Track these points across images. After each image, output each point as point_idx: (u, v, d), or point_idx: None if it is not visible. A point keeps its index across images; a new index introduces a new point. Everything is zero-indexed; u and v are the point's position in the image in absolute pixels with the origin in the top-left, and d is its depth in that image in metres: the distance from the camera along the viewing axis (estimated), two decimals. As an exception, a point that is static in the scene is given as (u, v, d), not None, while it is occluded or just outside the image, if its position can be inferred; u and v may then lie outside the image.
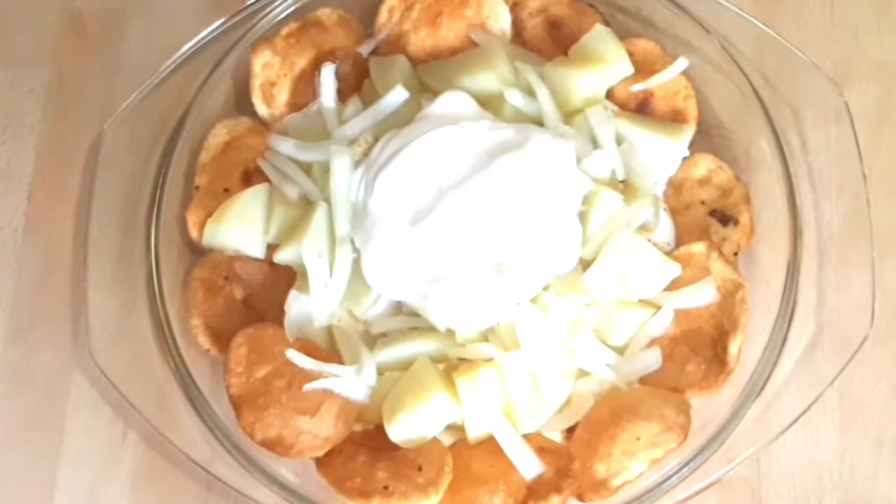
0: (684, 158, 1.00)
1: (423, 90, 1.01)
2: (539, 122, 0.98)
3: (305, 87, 1.03)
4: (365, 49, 1.05)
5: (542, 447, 0.92)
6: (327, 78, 1.01)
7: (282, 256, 0.97)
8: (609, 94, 1.02)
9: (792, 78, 1.01)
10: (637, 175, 0.99)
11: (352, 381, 0.92)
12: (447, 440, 0.93)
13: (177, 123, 1.01)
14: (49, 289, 1.03)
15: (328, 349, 0.95)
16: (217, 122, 1.03)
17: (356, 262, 0.95)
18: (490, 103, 0.99)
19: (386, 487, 0.89)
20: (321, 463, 0.92)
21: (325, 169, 0.97)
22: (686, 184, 1.01)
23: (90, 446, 0.98)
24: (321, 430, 0.91)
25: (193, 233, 0.99)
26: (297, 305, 0.95)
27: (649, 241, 0.96)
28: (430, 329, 0.94)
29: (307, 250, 0.94)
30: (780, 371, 0.93)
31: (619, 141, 0.99)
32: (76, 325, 1.00)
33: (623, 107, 1.02)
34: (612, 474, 0.90)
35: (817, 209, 0.98)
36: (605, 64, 1.00)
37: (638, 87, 1.02)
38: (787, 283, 0.95)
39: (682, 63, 1.01)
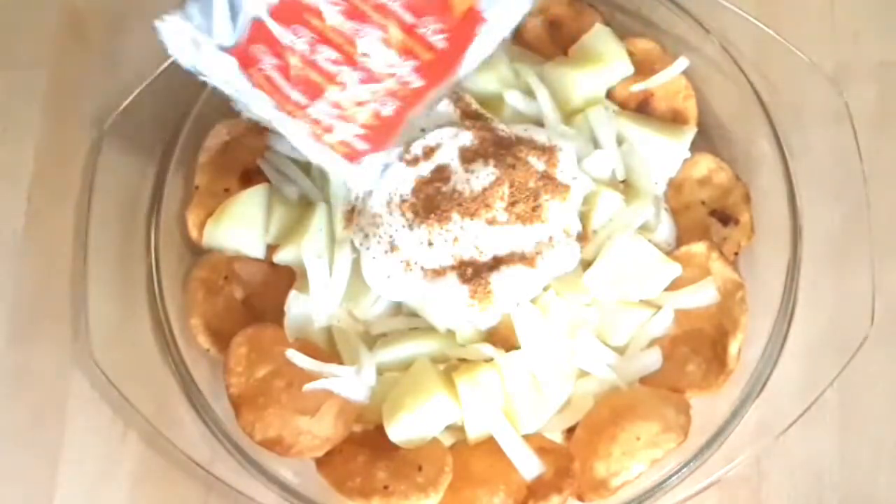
0: (685, 159, 1.00)
1: (423, 90, 1.01)
2: (539, 123, 0.98)
3: (305, 87, 1.03)
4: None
5: (542, 447, 0.91)
6: (327, 78, 1.01)
7: (281, 257, 0.97)
8: (609, 94, 1.02)
9: (792, 78, 1.01)
10: (638, 175, 0.99)
11: (351, 382, 0.92)
12: (447, 440, 0.92)
13: (177, 123, 1.01)
14: (49, 289, 1.03)
15: (328, 349, 0.95)
16: (217, 122, 1.03)
17: (356, 262, 0.95)
18: (490, 104, 0.99)
19: (386, 487, 0.89)
20: (321, 463, 0.92)
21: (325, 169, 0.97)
22: (686, 184, 1.01)
23: (90, 446, 0.98)
24: (321, 430, 0.91)
25: (193, 233, 0.99)
26: (296, 305, 0.95)
27: (650, 241, 0.96)
28: (430, 329, 0.94)
29: (307, 250, 0.94)
30: (780, 371, 0.93)
31: (620, 141, 0.99)
32: (76, 325, 1.00)
33: (623, 107, 1.02)
34: (612, 474, 0.90)
35: (817, 209, 0.97)
36: (604, 64, 1.00)
37: (638, 87, 1.02)
38: (787, 283, 0.95)
39: (682, 63, 1.01)
